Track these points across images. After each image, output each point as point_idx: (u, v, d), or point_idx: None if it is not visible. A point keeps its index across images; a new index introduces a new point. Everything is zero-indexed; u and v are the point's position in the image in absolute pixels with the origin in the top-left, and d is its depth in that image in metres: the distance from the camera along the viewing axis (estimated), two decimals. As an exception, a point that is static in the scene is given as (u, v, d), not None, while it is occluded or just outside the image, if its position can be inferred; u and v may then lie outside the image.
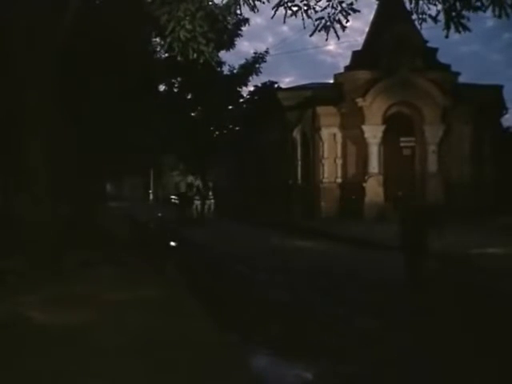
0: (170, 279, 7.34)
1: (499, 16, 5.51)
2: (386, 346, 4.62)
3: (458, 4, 5.76)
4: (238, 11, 6.27)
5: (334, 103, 19.37)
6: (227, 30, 12.05)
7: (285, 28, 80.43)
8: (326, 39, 6.42)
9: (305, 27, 6.38)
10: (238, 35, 13.53)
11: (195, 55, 5.97)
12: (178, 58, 6.14)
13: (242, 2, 5.97)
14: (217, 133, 29.85)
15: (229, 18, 6.64)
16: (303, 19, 6.28)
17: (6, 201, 14.39)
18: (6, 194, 14.78)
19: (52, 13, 7.44)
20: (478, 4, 5.63)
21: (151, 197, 39.94)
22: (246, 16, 14.35)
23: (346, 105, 19.17)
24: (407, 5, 6.75)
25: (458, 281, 7.74)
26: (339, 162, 19.61)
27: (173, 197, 35.89)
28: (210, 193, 23.32)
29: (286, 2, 6.20)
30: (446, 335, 4.94)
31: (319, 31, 6.32)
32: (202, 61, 6.07)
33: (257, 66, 23.66)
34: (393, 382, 3.85)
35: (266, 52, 23.22)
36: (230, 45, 12.53)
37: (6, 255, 7.89)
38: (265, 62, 23.64)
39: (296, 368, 4.18)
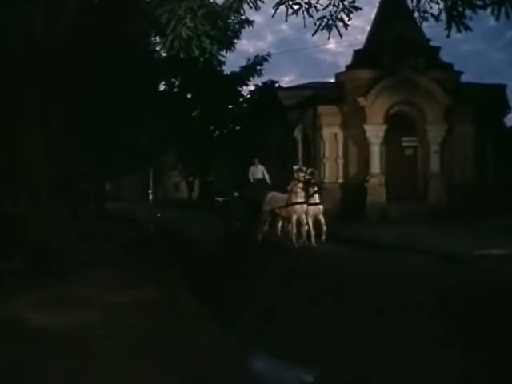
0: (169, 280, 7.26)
1: (497, 17, 5.46)
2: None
3: (459, 3, 5.70)
4: (238, 11, 6.21)
5: (335, 102, 19.27)
6: (229, 30, 11.99)
7: (284, 26, 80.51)
8: (328, 38, 6.39)
9: (305, 26, 6.34)
10: (238, 37, 13.42)
11: (198, 53, 5.92)
12: (181, 56, 6.08)
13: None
14: (217, 132, 29.87)
15: (231, 19, 6.58)
16: (304, 18, 6.23)
17: (5, 200, 14.34)
18: (6, 193, 14.72)
19: (50, 12, 7.39)
20: (480, 3, 5.57)
21: (151, 197, 39.86)
22: (247, 14, 14.26)
23: (347, 104, 19.08)
24: (409, 3, 6.73)
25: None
26: (340, 161, 19.53)
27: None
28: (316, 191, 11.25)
29: (287, 0, 6.15)
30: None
31: (321, 30, 6.28)
32: (204, 59, 6.02)
33: (258, 68, 23.68)
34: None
35: (268, 55, 23.23)
36: (229, 45, 12.44)
37: (6, 255, 7.84)
38: (266, 61, 23.67)
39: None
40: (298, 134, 21.40)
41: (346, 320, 5.34)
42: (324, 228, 11.13)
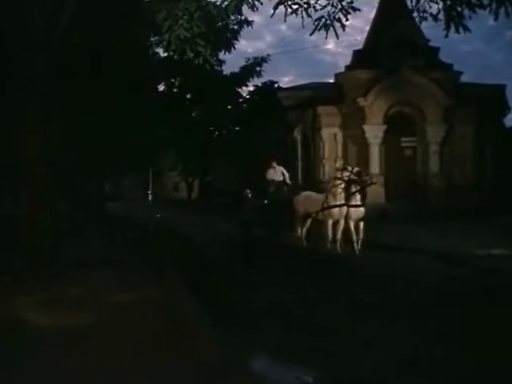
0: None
1: (496, 17, 5.45)
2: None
3: (457, 3, 5.70)
4: (239, 11, 6.22)
5: (334, 103, 19.29)
6: (228, 31, 11.96)
7: (283, 27, 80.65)
8: (326, 37, 6.39)
9: (303, 26, 6.34)
10: (237, 38, 13.38)
11: (192, 55, 5.92)
12: (175, 57, 6.09)
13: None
14: (216, 133, 29.86)
15: (229, 20, 6.58)
16: (303, 18, 6.22)
17: (4, 201, 14.37)
18: (5, 194, 14.76)
19: (48, 12, 7.39)
20: (478, 2, 5.56)
21: (150, 197, 39.86)
22: (246, 15, 14.25)
23: (346, 104, 19.10)
24: (408, 3, 6.73)
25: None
26: (340, 162, 19.52)
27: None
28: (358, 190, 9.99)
29: (287, 0, 6.15)
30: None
31: (319, 30, 6.28)
32: (198, 62, 6.02)
33: (258, 68, 23.69)
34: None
35: (267, 57, 23.27)
36: (228, 46, 12.40)
37: (5, 255, 7.85)
38: (266, 62, 23.70)
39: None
40: (297, 134, 21.40)
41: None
42: (361, 236, 9.83)
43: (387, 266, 8.89)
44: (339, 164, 10.71)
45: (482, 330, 4.98)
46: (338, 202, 9.84)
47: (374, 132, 18.47)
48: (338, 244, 9.86)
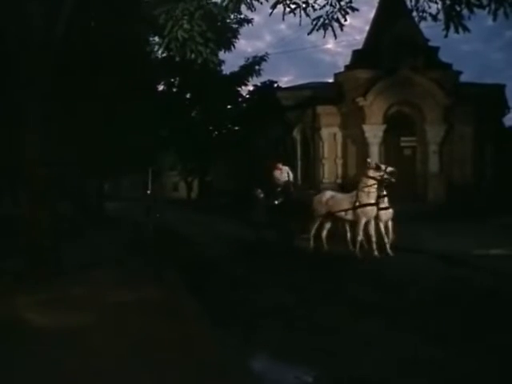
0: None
1: (494, 18, 5.45)
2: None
3: (457, 2, 5.70)
4: (238, 10, 6.21)
5: (334, 103, 19.29)
6: (228, 30, 11.98)
7: (283, 26, 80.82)
8: (324, 37, 6.38)
9: (300, 24, 6.31)
10: (236, 37, 13.40)
11: (193, 56, 5.91)
12: (176, 59, 6.09)
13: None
14: (216, 132, 29.87)
15: (229, 20, 6.57)
16: (300, 17, 6.21)
17: (4, 201, 14.37)
18: (5, 194, 14.76)
19: (48, 12, 7.38)
20: (477, 2, 5.56)
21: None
22: (245, 14, 14.31)
23: (346, 104, 19.10)
24: (408, 3, 6.72)
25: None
26: (339, 161, 19.54)
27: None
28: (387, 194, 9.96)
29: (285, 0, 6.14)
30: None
31: (317, 30, 6.27)
32: (199, 61, 6.00)
33: (257, 67, 23.71)
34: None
35: (266, 56, 23.29)
36: (228, 45, 12.40)
37: (4, 255, 7.86)
38: (265, 61, 23.71)
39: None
40: (296, 134, 21.41)
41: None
42: (391, 236, 9.75)
43: (387, 265, 8.91)
44: (372, 161, 10.43)
45: (482, 329, 5.00)
46: (371, 201, 9.57)
47: (373, 132, 18.48)
48: (362, 243, 9.75)
